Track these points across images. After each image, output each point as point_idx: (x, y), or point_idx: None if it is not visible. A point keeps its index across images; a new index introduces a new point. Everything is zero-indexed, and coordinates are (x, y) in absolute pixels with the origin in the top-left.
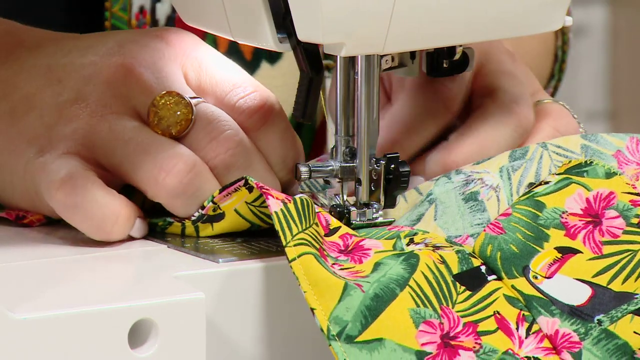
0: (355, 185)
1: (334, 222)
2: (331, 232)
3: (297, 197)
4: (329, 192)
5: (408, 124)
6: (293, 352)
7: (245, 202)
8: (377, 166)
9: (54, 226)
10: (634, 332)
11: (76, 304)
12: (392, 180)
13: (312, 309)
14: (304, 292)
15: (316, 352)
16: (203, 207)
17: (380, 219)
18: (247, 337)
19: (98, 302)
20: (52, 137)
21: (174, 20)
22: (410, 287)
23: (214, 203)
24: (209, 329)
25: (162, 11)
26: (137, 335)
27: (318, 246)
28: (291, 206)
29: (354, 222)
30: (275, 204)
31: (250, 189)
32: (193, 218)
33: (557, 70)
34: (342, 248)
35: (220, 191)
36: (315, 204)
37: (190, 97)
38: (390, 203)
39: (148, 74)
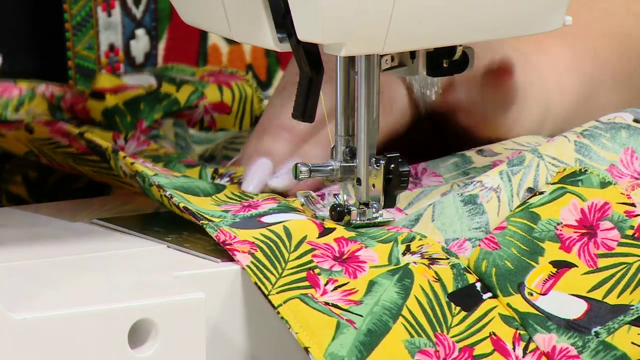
0: (356, 185)
1: (329, 223)
2: (325, 231)
3: (259, 236)
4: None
5: None
6: (293, 352)
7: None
8: (377, 166)
9: (55, 225)
10: (632, 343)
11: (76, 304)
12: (392, 180)
13: (305, 348)
14: (296, 333)
15: None
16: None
17: (380, 219)
18: (247, 337)
19: (98, 302)
20: None
21: (155, 57)
22: (404, 317)
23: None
24: (209, 329)
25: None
26: (137, 335)
27: (304, 274)
28: (259, 255)
29: (353, 221)
30: (244, 259)
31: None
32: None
33: None
34: (337, 255)
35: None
36: (314, 206)
37: None
38: (390, 203)
39: None
